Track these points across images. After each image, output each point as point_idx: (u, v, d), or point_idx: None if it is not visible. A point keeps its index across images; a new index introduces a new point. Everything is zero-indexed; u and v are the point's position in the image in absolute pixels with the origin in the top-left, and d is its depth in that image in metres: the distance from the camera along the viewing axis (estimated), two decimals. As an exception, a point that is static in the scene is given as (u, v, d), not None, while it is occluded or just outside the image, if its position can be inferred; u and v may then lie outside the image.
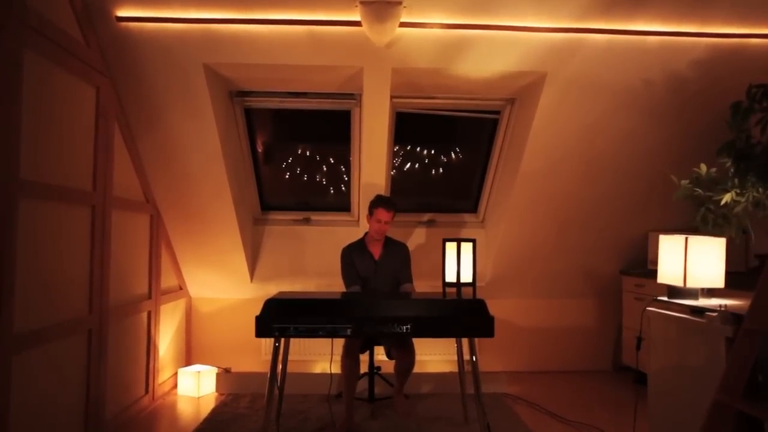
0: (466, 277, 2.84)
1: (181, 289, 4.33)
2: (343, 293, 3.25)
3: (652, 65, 3.21)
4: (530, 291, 4.58)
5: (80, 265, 2.82)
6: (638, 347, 2.68)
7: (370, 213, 3.45)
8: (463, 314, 2.73)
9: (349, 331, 2.68)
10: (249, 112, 3.89)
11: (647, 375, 2.78)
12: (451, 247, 2.85)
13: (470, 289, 2.88)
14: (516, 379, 4.33)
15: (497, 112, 3.94)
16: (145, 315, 3.64)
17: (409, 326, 2.68)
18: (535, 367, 4.62)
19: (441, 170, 4.43)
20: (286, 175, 4.36)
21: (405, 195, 4.42)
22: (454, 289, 2.87)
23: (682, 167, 2.93)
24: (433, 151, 4.38)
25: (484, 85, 3.53)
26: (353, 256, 3.50)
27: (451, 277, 2.85)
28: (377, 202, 3.41)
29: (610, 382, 4.39)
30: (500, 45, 3.12)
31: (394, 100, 3.66)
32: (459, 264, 2.81)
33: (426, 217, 4.47)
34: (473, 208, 4.56)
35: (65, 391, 2.70)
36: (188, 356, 4.42)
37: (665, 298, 2.56)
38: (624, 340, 4.44)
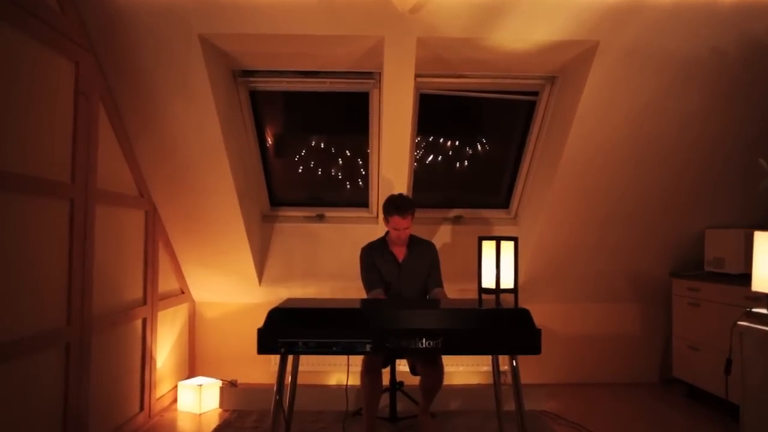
0: (507, 282, 2.39)
1: (183, 293, 3.94)
2: (363, 300, 2.82)
3: (724, 33, 2.74)
4: (568, 295, 4.11)
5: (56, 269, 2.43)
6: (728, 371, 2.20)
7: (386, 220, 3.04)
8: (504, 327, 2.28)
9: (368, 347, 2.25)
10: (255, 96, 3.47)
11: (739, 405, 2.29)
12: (488, 247, 2.40)
13: (510, 296, 2.43)
14: (553, 393, 3.87)
15: (534, 93, 3.48)
16: (139, 323, 3.25)
17: (439, 341, 2.24)
18: (573, 378, 4.16)
19: (467, 162, 3.98)
20: (297, 167, 3.95)
21: (428, 190, 3.99)
22: (491, 296, 2.42)
23: (755, 153, 2.44)
24: (457, 142, 3.93)
25: (522, 59, 3.07)
26: (374, 257, 3.07)
27: (488, 281, 2.40)
28: (390, 209, 2.98)
29: (657, 397, 3.92)
30: (545, 8, 2.66)
31: (418, 79, 3.22)
32: (498, 266, 2.36)
33: (452, 213, 4.03)
34: (504, 204, 4.11)
35: (37, 413, 2.30)
36: (191, 367, 4.03)
37: (764, 311, 2.09)
38: (674, 350, 3.95)
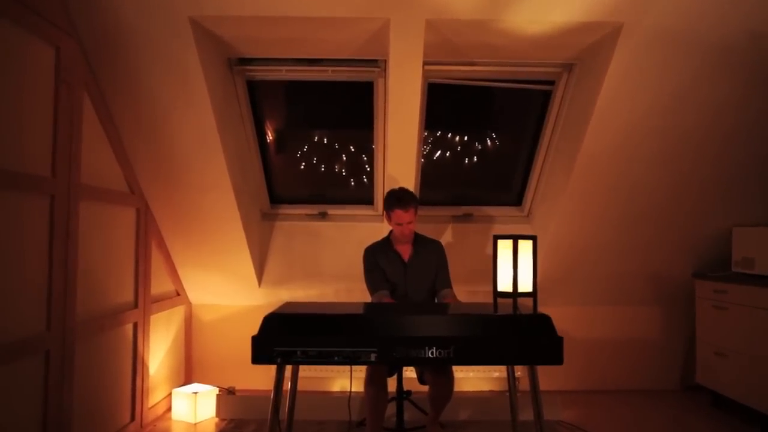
0: (525, 285, 2.18)
1: (178, 295, 3.74)
2: (367, 304, 2.61)
3: (760, 14, 2.50)
4: (584, 297, 3.89)
5: (35, 270, 2.24)
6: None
7: (388, 216, 2.85)
8: (522, 334, 2.07)
9: (373, 357, 2.05)
10: (253, 86, 3.27)
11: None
12: (504, 247, 2.19)
13: (528, 300, 2.22)
14: (569, 401, 3.65)
15: (550, 83, 3.26)
16: (129, 327, 3.06)
17: (450, 350, 2.04)
18: (589, 385, 3.94)
19: (476, 157, 3.77)
20: (298, 162, 3.76)
21: (436, 186, 3.79)
22: (506, 300, 2.21)
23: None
24: (467, 136, 3.73)
25: (537, 45, 2.85)
26: (378, 258, 2.87)
27: (504, 284, 2.19)
28: (391, 203, 2.80)
29: (680, 405, 3.70)
30: (563, -14, 2.45)
31: (426, 67, 3.01)
32: (516, 268, 2.15)
33: (461, 211, 3.82)
34: (516, 201, 3.90)
35: (13, 425, 2.11)
36: (188, 373, 3.83)
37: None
38: (698, 356, 3.72)
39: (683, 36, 2.60)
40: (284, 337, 2.06)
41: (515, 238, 2.16)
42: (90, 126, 2.65)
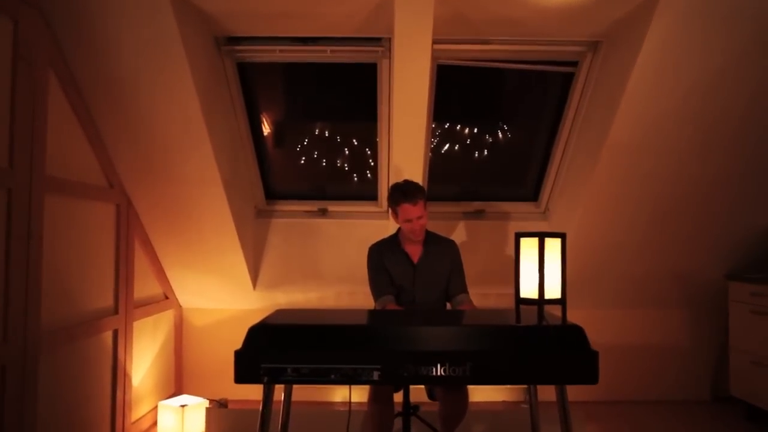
0: (552, 290, 1.88)
1: (166, 298, 3.46)
2: (371, 312, 2.31)
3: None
4: (607, 300, 3.58)
5: (-12, 274, 1.96)
6: None
7: (394, 212, 2.54)
8: (550, 349, 1.77)
9: (376, 375, 1.75)
10: (244, 69, 2.97)
11: None
12: (528, 246, 1.89)
13: (555, 308, 1.91)
14: (592, 412, 3.35)
15: (573, 64, 2.95)
16: (109, 335, 2.77)
17: (467, 368, 1.74)
18: (613, 395, 3.62)
19: (489, 149, 3.47)
20: (296, 154, 3.47)
21: (445, 180, 3.51)
22: (528, 307, 1.91)
23: None
24: (478, 127, 3.43)
25: (560, 18, 2.55)
26: (384, 258, 2.57)
27: (529, 290, 1.88)
28: (396, 198, 2.48)
29: (711, 418, 3.40)
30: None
31: (435, 46, 2.70)
32: (542, 271, 1.85)
33: (472, 207, 3.52)
34: (532, 196, 3.59)
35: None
36: (178, 382, 3.55)
37: None
38: (731, 365, 3.41)
39: (726, 9, 2.28)
40: (272, 351, 1.77)
41: (541, 236, 1.85)
42: (59, 111, 2.37)
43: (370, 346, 1.78)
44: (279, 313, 2.12)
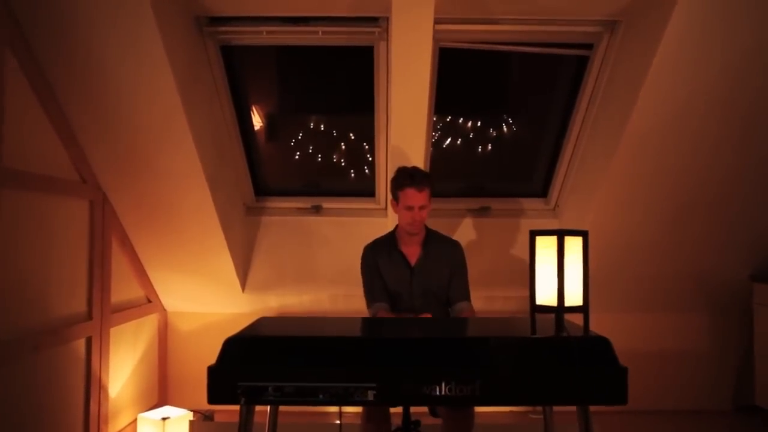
0: (573, 297, 1.64)
1: (149, 301, 3.22)
2: (365, 320, 2.08)
3: None
4: (621, 302, 3.34)
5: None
6: None
7: (395, 197, 2.31)
8: (572, 365, 1.53)
9: (371, 395, 1.53)
10: (229, 53, 2.73)
11: None
12: (545, 246, 1.65)
13: (575, 317, 1.68)
14: (605, 423, 3.10)
15: (587, 46, 2.71)
16: (81, 343, 2.54)
17: (475, 386, 1.52)
18: (629, 405, 3.34)
19: (494, 141, 3.25)
20: (288, 146, 3.26)
21: (447, 176, 3.28)
22: (543, 315, 1.67)
23: None
24: (482, 117, 3.19)
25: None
26: (379, 260, 2.33)
27: (546, 296, 1.64)
28: (401, 181, 2.26)
29: (732, 428, 3.18)
30: None
31: (438, 26, 2.47)
32: (562, 274, 1.61)
33: (476, 203, 3.28)
34: (541, 192, 3.36)
35: None
36: (161, 392, 3.31)
37: None
38: (756, 373, 3.17)
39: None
40: (251, 367, 1.55)
41: (560, 234, 1.61)
42: (18, 95, 2.13)
43: (363, 362, 1.55)
44: (262, 321, 1.88)
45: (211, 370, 1.55)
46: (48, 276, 2.32)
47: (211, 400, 1.55)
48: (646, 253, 3.09)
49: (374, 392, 1.51)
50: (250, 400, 1.53)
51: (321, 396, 1.53)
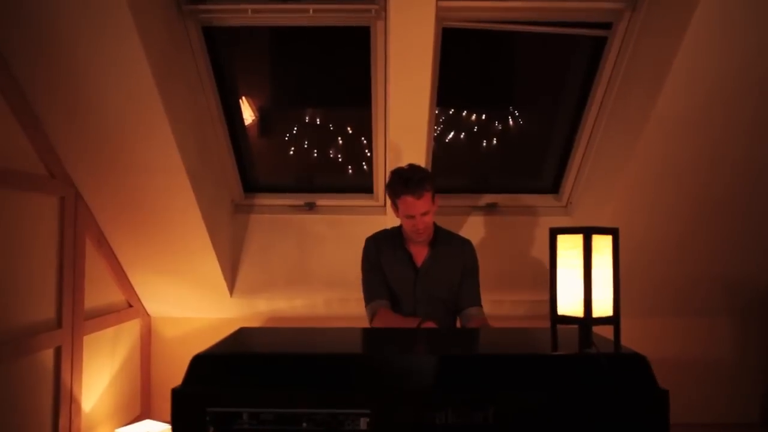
0: (602, 306, 1.40)
1: (130, 306, 2.99)
2: (359, 331, 1.84)
3: None
4: (641, 306, 3.08)
5: None
6: None
7: (394, 204, 2.07)
8: (603, 386, 1.29)
9: (364, 423, 1.29)
10: (212, 35, 2.50)
11: None
12: (568, 246, 1.41)
13: (604, 329, 1.44)
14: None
15: (606, 26, 2.46)
16: (49, 353, 2.31)
17: (488, 413, 1.27)
18: (645, 418, 3.14)
19: (500, 133, 3.01)
20: (279, 139, 3.04)
21: (450, 171, 3.08)
22: (566, 327, 1.43)
23: None
24: (487, 106, 2.96)
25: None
26: (381, 254, 2.09)
27: (569, 305, 1.40)
28: (396, 188, 2.00)
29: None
30: None
31: (440, 3, 2.23)
32: (589, 281, 1.36)
33: (483, 200, 3.05)
34: (552, 188, 3.12)
35: None
36: (144, 404, 3.08)
37: None
38: (787, 383, 2.94)
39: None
40: (223, 390, 1.30)
41: (587, 232, 1.37)
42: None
43: (355, 383, 1.31)
44: (239, 334, 1.64)
45: (176, 393, 1.31)
46: (11, 280, 2.09)
47: (176, 428, 1.31)
48: (670, 253, 2.85)
49: (367, 420, 1.28)
50: (220, 428, 1.29)
51: (305, 424, 1.29)
